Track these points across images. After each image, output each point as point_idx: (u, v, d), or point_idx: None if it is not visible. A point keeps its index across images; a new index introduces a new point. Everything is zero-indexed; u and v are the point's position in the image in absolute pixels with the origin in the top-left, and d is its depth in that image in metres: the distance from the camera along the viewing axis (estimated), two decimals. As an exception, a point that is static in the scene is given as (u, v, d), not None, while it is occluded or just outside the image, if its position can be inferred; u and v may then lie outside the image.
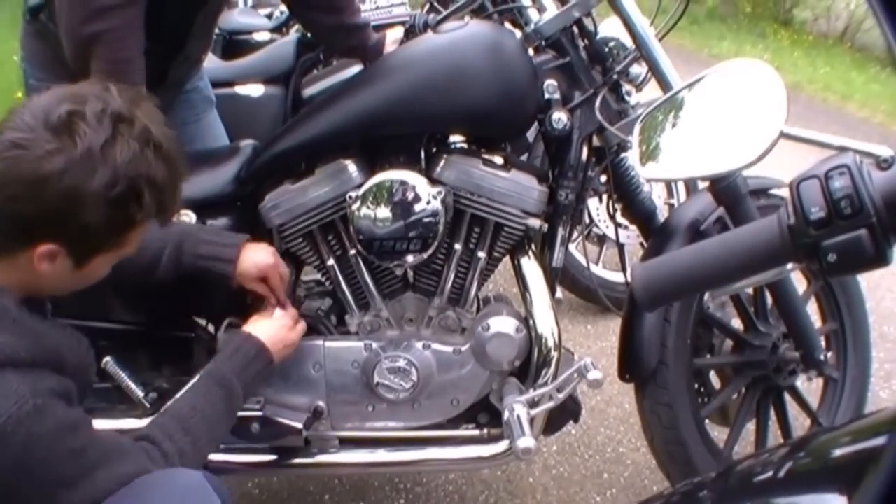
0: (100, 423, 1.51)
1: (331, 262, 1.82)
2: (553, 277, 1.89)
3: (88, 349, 1.40)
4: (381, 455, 1.89)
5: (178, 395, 1.51)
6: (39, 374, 1.19)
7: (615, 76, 1.87)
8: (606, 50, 1.92)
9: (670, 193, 3.21)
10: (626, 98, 1.93)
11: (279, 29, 3.92)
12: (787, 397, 2.10)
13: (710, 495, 0.90)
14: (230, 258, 1.67)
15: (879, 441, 0.77)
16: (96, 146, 1.16)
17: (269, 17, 4.17)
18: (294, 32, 3.55)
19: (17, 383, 1.15)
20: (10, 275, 1.23)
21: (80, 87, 1.24)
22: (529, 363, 1.81)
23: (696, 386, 2.02)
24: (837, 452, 0.86)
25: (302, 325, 1.74)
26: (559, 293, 1.94)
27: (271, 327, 1.66)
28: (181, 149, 1.31)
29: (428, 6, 2.90)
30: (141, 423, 1.51)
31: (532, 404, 1.75)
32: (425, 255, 1.75)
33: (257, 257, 1.69)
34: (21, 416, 1.13)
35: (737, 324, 2.05)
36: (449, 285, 1.81)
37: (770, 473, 0.88)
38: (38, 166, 1.14)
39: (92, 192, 1.16)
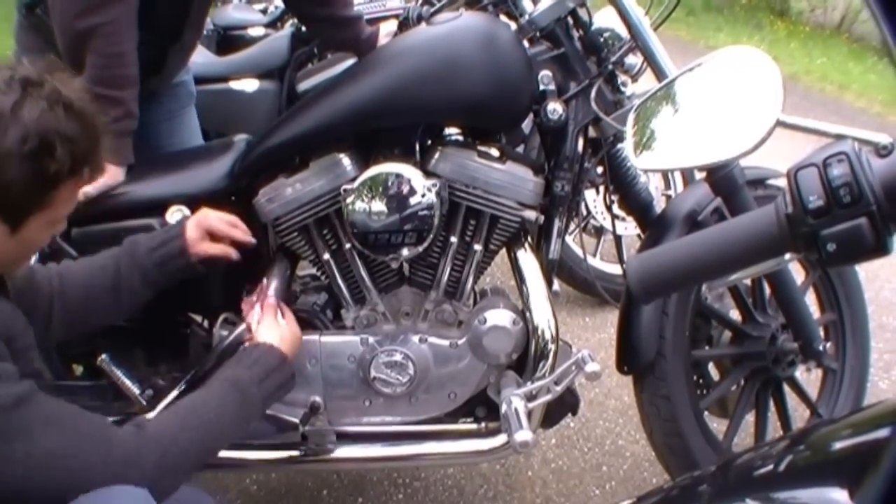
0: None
1: (326, 256, 1.80)
2: (550, 269, 1.88)
3: (27, 327, 1.38)
4: (379, 450, 1.88)
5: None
6: None
7: (610, 66, 1.87)
8: (601, 40, 1.91)
9: (667, 184, 3.21)
10: (622, 88, 1.92)
11: (273, 24, 3.92)
12: (787, 388, 2.09)
13: (710, 489, 0.89)
14: (177, 234, 1.66)
15: (881, 434, 0.76)
16: (6, 108, 1.19)
17: (264, 12, 4.17)
18: (288, 27, 3.55)
19: None
20: None
21: None
22: (527, 356, 1.80)
23: (695, 378, 2.01)
24: (838, 445, 0.85)
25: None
26: (556, 285, 1.93)
27: (282, 333, 1.62)
28: (96, 109, 1.32)
29: (421, -2, 2.89)
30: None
31: (530, 397, 1.74)
32: (421, 249, 1.74)
33: (195, 219, 1.69)
34: None
35: (735, 315, 2.04)
36: (445, 278, 1.80)
37: (770, 467, 0.87)
38: None
39: (5, 150, 1.19)
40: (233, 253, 1.71)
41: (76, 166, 1.27)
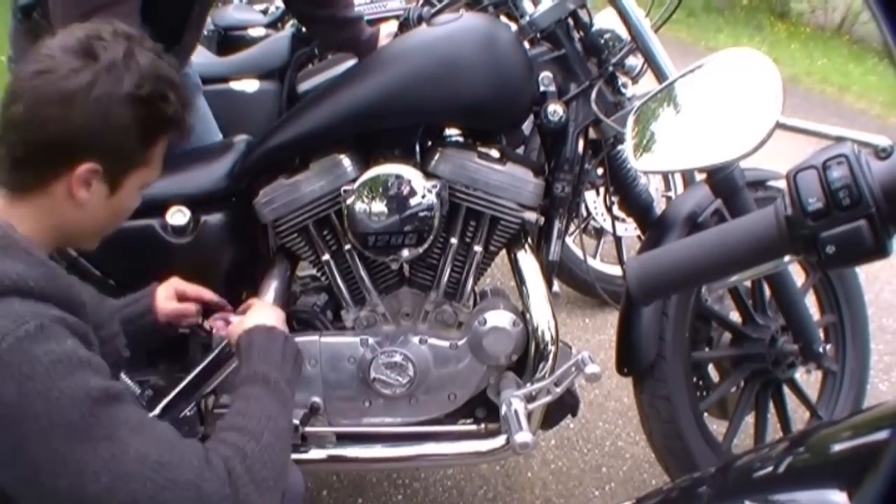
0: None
1: (326, 257, 1.80)
2: (550, 271, 1.88)
3: (112, 317, 1.35)
4: (379, 451, 1.88)
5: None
6: (46, 305, 1.12)
7: (611, 68, 1.87)
8: (602, 42, 1.91)
9: (667, 186, 3.21)
10: (623, 90, 1.92)
11: (274, 24, 3.92)
12: (786, 390, 2.09)
13: (709, 491, 0.88)
14: (146, 294, 1.63)
15: (880, 436, 0.76)
16: (118, 57, 1.20)
17: (265, 12, 4.18)
18: (289, 28, 3.55)
19: (20, 307, 1.09)
20: (42, 218, 1.21)
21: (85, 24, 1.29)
22: (527, 357, 1.80)
23: (695, 379, 2.01)
24: (837, 447, 0.85)
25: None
26: (556, 287, 1.93)
27: (265, 315, 1.50)
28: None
29: (422, -1, 2.89)
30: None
31: (529, 399, 1.74)
32: (421, 250, 1.74)
33: (166, 283, 1.66)
34: (20, 335, 1.05)
35: (735, 316, 2.04)
36: (445, 279, 1.80)
37: (769, 469, 0.86)
38: (65, 84, 1.16)
39: (123, 95, 1.19)
40: (196, 309, 1.68)
41: (182, 115, 1.28)
